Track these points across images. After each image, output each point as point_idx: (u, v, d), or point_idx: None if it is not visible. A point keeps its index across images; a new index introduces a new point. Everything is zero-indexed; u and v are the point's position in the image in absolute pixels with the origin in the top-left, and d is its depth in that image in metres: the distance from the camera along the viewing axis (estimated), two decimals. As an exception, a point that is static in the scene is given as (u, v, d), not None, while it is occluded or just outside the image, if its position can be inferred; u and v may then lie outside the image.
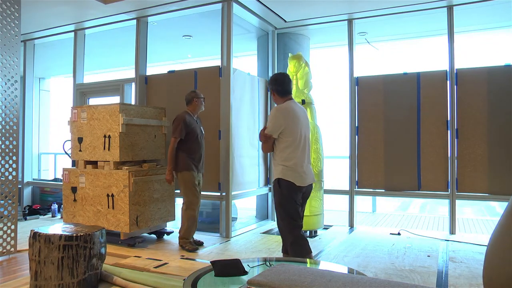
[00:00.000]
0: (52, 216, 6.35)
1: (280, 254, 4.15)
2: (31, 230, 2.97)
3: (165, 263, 3.73)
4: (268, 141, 3.19)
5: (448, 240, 4.72)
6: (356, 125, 5.60)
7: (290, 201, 3.17)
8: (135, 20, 5.75)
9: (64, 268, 2.85)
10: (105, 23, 6.03)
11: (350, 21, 5.66)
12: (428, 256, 4.04)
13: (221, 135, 5.02)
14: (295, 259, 2.87)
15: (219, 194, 5.03)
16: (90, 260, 2.96)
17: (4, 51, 4.13)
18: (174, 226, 5.19)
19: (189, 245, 4.33)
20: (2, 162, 4.07)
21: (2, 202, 4.08)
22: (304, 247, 3.18)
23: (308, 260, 3.76)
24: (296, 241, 3.16)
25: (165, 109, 5.07)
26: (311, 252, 3.26)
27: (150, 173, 4.58)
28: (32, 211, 6.44)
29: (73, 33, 6.36)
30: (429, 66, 5.42)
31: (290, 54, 5.31)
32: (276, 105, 3.37)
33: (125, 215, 4.30)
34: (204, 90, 5.22)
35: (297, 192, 3.18)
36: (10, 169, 4.14)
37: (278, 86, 3.29)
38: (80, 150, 4.72)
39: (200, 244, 4.53)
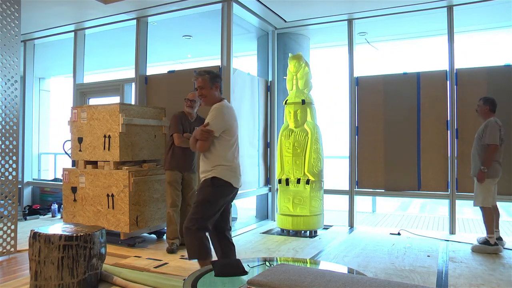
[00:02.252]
0: (52, 216, 6.35)
1: (280, 254, 4.16)
2: (31, 230, 2.97)
3: (165, 263, 3.73)
4: (209, 139, 2.93)
5: (448, 240, 4.72)
6: (356, 125, 5.60)
7: (217, 202, 2.97)
8: (135, 20, 5.74)
9: (64, 268, 2.85)
10: (105, 23, 6.03)
11: (350, 21, 5.66)
12: (428, 256, 4.04)
13: (221, 135, 5.01)
14: (298, 259, 2.88)
15: (219, 194, 5.02)
16: (90, 260, 2.96)
17: (4, 51, 4.13)
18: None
19: (168, 245, 4.25)
20: (2, 162, 4.07)
21: (2, 202, 4.08)
22: (210, 251, 2.96)
23: (308, 260, 3.76)
24: (200, 241, 2.90)
25: (165, 109, 5.07)
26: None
27: (150, 173, 4.58)
28: (32, 211, 6.44)
29: (73, 33, 6.36)
30: (429, 66, 5.43)
31: (290, 54, 5.31)
32: (201, 100, 3.18)
33: (125, 215, 4.30)
34: (204, 90, 5.21)
35: (229, 194, 3.04)
36: (10, 169, 4.14)
37: (221, 80, 3.17)
38: (80, 150, 4.72)
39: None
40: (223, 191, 2.97)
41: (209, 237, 3.01)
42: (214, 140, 2.95)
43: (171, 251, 4.17)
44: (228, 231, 3.16)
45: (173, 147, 4.32)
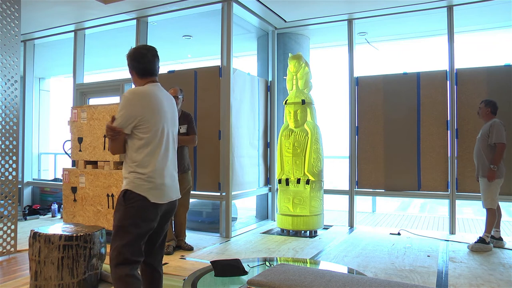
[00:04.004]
0: (52, 216, 6.35)
1: (280, 254, 4.16)
2: (31, 230, 2.98)
3: (165, 263, 3.73)
4: (117, 137, 2.23)
5: (448, 240, 4.72)
6: (356, 125, 5.60)
7: (136, 225, 2.17)
8: (135, 20, 5.75)
9: (64, 268, 2.85)
10: (105, 23, 6.03)
11: (350, 21, 5.66)
12: (428, 256, 4.04)
13: (221, 135, 5.02)
14: (298, 259, 2.87)
15: (219, 194, 5.03)
16: (90, 260, 2.96)
17: (4, 51, 4.13)
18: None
19: (170, 247, 4.16)
20: (2, 162, 4.07)
21: (2, 202, 4.08)
22: None
23: (308, 260, 3.76)
24: (122, 279, 2.14)
25: (165, 109, 5.06)
26: None
27: (150, 173, 4.58)
28: (32, 211, 6.44)
29: (73, 33, 6.36)
30: (429, 66, 5.43)
31: (290, 54, 5.31)
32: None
33: (125, 215, 4.29)
34: (204, 90, 5.23)
35: (151, 212, 2.20)
36: (10, 169, 4.14)
37: (135, 62, 2.34)
38: (80, 150, 4.72)
39: (190, 249, 4.33)
40: (138, 209, 2.18)
41: (139, 272, 2.26)
42: (127, 139, 2.27)
43: (167, 253, 4.08)
44: (159, 265, 2.40)
45: None
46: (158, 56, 2.40)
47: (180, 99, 4.25)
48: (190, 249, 4.32)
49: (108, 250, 3.26)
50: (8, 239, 4.09)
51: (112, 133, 2.22)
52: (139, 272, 2.25)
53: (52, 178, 7.90)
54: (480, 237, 4.28)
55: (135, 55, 2.35)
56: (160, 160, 2.26)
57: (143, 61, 2.34)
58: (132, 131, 2.23)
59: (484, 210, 4.35)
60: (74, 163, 4.97)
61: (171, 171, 2.32)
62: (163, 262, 2.49)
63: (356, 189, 5.59)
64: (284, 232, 5.18)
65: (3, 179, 4.08)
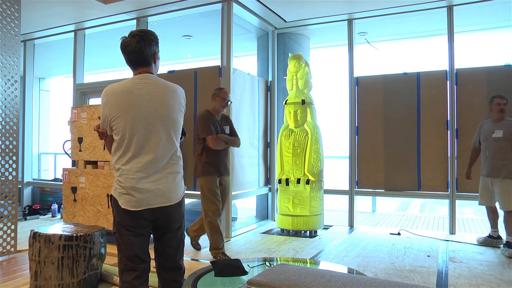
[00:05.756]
0: (52, 216, 6.35)
1: (280, 254, 4.16)
2: (31, 230, 2.98)
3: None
4: (104, 138, 2.12)
5: (448, 240, 4.72)
6: (356, 125, 5.60)
7: (119, 232, 2.09)
8: (135, 20, 5.75)
9: (64, 268, 2.85)
10: (105, 23, 6.03)
11: (350, 21, 5.66)
12: (428, 256, 4.04)
13: (221, 135, 5.01)
14: (298, 259, 2.86)
15: (219, 194, 5.02)
16: (90, 260, 2.96)
17: (4, 51, 4.13)
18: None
19: (221, 255, 3.86)
20: (2, 162, 4.07)
21: (2, 202, 4.08)
22: None
23: (308, 260, 3.76)
24: (123, 286, 2.07)
25: (165, 109, 5.05)
26: None
27: (150, 173, 4.57)
28: (32, 211, 6.44)
29: (73, 33, 6.36)
30: (429, 66, 5.43)
31: (290, 54, 5.31)
32: None
33: (125, 215, 4.29)
34: (204, 90, 5.23)
35: (125, 218, 2.03)
36: (10, 169, 4.14)
37: (122, 54, 2.15)
38: (80, 150, 4.72)
39: (198, 249, 4.30)
40: (118, 215, 2.06)
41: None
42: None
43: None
44: (172, 270, 2.16)
45: (206, 151, 3.88)
46: (150, 40, 2.09)
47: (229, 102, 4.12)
48: (198, 249, 4.29)
49: (108, 250, 3.27)
50: (8, 239, 4.09)
51: (100, 134, 2.11)
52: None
53: (52, 178, 7.90)
54: (506, 241, 4.13)
55: (120, 45, 2.11)
56: (134, 163, 2.00)
57: (125, 51, 2.10)
58: (112, 132, 2.05)
59: (485, 210, 4.36)
60: (74, 163, 4.97)
61: (151, 174, 2.00)
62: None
63: (356, 189, 5.59)
64: (284, 232, 5.18)
65: (3, 179, 4.08)
